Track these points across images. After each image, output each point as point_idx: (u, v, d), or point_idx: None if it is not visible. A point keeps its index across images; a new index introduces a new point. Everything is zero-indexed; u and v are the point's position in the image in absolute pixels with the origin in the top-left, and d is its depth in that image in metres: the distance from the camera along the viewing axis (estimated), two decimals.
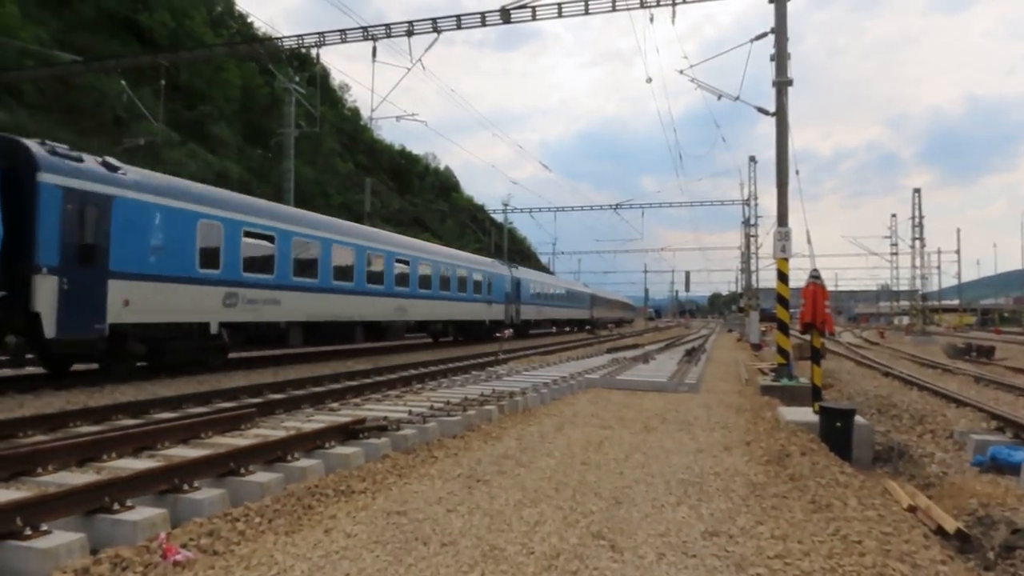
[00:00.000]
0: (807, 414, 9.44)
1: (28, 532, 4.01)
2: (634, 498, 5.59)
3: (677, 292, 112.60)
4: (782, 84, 14.09)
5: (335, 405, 9.76)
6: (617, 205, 43.93)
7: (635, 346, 28.37)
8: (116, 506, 4.54)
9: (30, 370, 14.62)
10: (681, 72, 17.11)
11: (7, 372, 14.11)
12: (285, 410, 9.26)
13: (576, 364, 17.73)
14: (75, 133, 31.41)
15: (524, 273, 39.89)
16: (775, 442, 7.89)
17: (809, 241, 14.73)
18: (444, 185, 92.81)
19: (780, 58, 14.09)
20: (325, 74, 60.57)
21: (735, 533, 4.70)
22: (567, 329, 53.43)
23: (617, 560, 4.18)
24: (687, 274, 71.48)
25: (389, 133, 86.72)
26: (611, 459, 7.07)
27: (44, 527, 4.11)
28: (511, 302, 35.28)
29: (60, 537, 4.02)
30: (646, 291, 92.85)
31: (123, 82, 23.57)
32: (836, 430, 8.09)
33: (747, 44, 15.04)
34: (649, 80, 21.07)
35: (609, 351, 24.39)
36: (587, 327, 56.92)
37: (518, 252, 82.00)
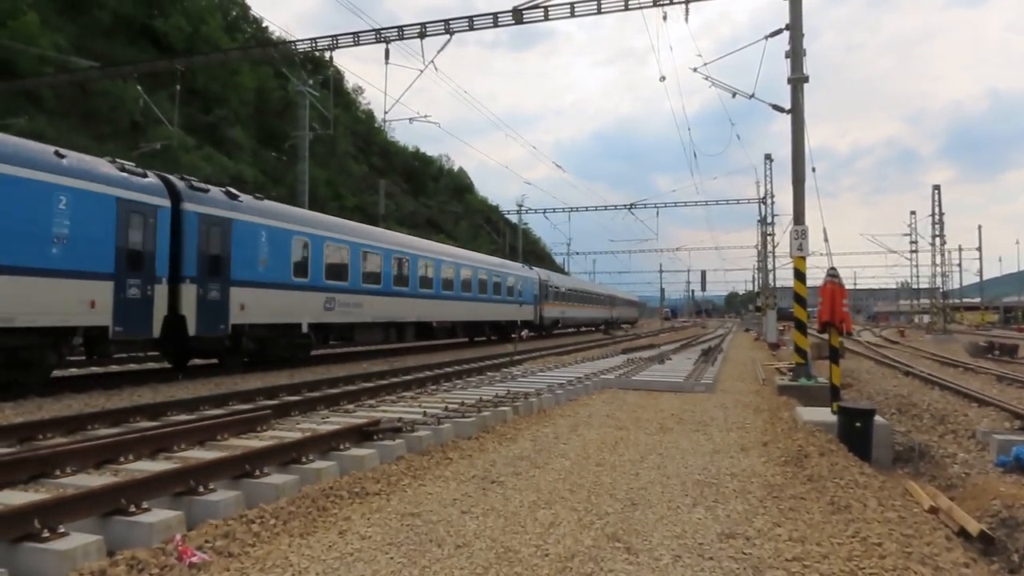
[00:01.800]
0: (825, 414, 9.34)
1: (46, 534, 4.04)
2: (650, 499, 5.54)
3: (693, 292, 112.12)
4: (797, 81, 13.96)
5: (350, 407, 9.78)
6: (632, 205, 43.75)
7: (651, 346, 28.26)
8: (132, 508, 4.57)
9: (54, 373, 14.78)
10: (695, 70, 17.01)
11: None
12: (300, 412, 9.28)
13: (591, 365, 17.67)
14: (92, 138, 31.81)
15: (256, 211, 16.66)
16: (793, 443, 7.80)
17: (826, 239, 14.63)
18: (458, 186, 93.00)
19: (795, 55, 13.97)
20: (339, 77, 60.93)
21: (752, 535, 4.65)
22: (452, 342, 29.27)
23: (632, 562, 4.14)
24: (703, 273, 71.08)
25: (403, 135, 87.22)
26: (626, 460, 7.02)
27: (61, 529, 4.13)
28: (168, 281, 13.94)
29: (77, 539, 4.04)
30: (662, 291, 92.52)
31: (139, 87, 23.79)
32: (855, 430, 7.98)
33: (762, 41, 14.93)
34: (663, 79, 21.00)
35: (625, 351, 24.30)
36: (494, 336, 32.91)
37: (532, 252, 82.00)
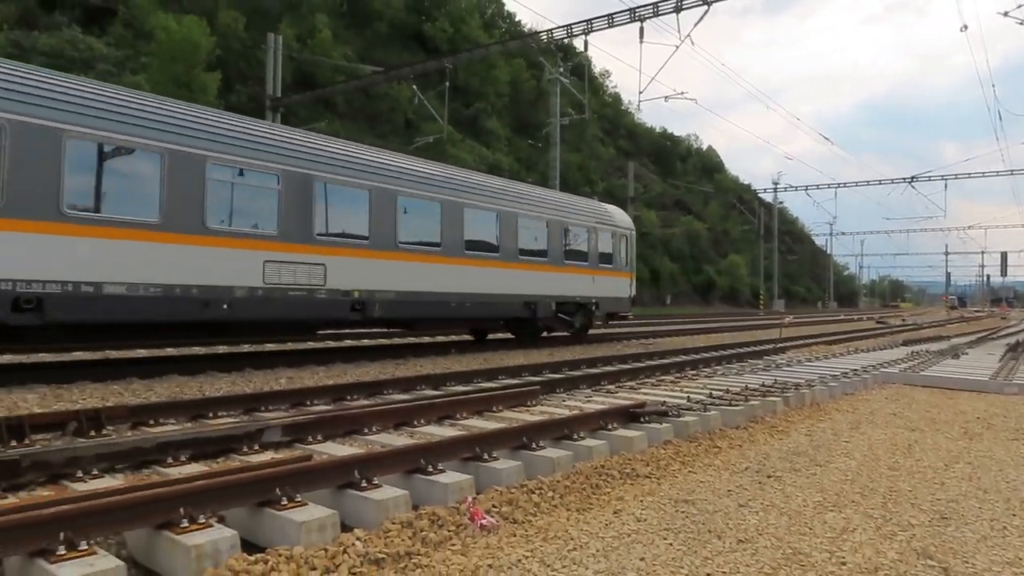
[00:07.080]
0: None
1: (364, 484, 4.57)
2: (964, 515, 4.81)
3: (988, 277, 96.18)
4: None
5: (612, 387, 9.88)
6: (913, 178, 38.55)
7: (938, 338, 24.81)
8: (430, 468, 5.01)
9: (348, 342, 17.06)
10: (1006, 14, 14.37)
11: (330, 344, 16.62)
12: (564, 389, 9.59)
13: (865, 356, 15.97)
14: (375, 136, 35.93)
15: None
16: None
17: None
18: (707, 166, 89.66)
19: None
20: (588, 61, 61.82)
21: None
22: None
23: None
24: (1003, 255, 60.33)
25: (649, 116, 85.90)
26: (926, 466, 6.19)
27: (376, 481, 4.66)
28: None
29: (389, 491, 4.52)
30: (947, 275, 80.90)
31: (414, 87, 26.24)
32: None
33: None
34: (964, 28, 18.06)
35: (906, 343, 21.61)
36: None
37: (788, 233, 76.28)
